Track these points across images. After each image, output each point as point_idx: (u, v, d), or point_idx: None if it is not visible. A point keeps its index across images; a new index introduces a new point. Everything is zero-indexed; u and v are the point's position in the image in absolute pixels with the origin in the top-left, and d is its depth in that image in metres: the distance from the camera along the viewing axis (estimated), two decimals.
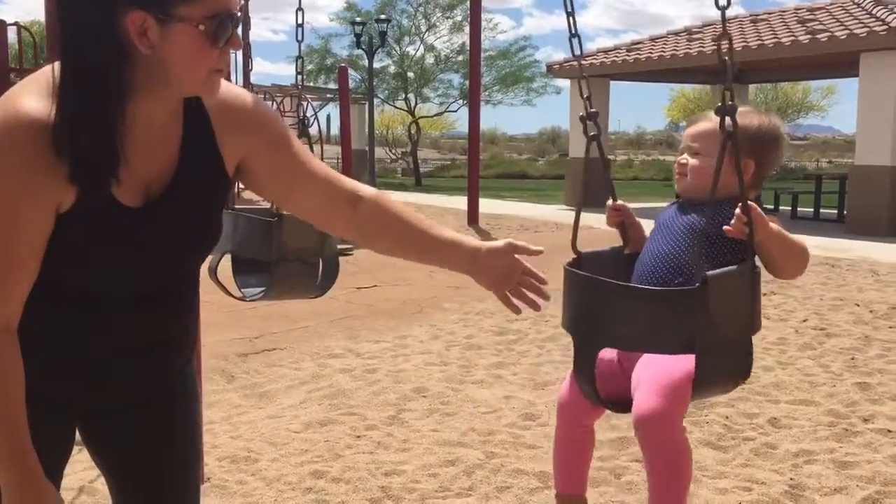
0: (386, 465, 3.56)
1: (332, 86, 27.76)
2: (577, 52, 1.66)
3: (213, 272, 2.82)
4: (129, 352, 1.48)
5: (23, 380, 1.33)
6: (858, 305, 7.19)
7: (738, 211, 1.54)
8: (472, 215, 13.48)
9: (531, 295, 1.67)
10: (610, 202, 2.01)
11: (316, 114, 11.33)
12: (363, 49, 27.69)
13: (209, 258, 2.84)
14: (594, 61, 17.86)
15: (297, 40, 3.01)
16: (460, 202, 14.17)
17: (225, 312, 6.12)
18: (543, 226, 13.81)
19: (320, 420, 4.14)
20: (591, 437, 2.01)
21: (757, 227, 1.56)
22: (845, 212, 14.14)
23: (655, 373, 1.65)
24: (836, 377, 4.99)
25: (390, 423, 4.13)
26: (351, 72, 22.38)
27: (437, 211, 16.75)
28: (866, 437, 3.96)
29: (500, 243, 1.68)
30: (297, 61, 2.96)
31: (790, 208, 15.96)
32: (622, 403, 1.79)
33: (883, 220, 12.80)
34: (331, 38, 33.71)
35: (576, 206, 1.86)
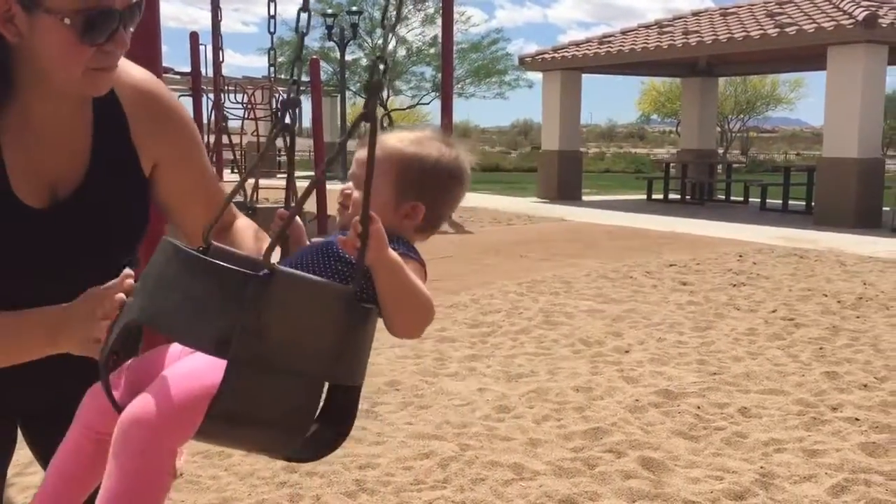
0: (360, 459, 3.55)
1: (304, 78, 27.57)
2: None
3: None
4: (52, 354, 1.35)
5: None
6: (826, 296, 7.30)
7: (355, 219, 1.20)
8: None
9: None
10: (281, 209, 1.47)
11: (287, 106, 11.21)
12: (335, 41, 27.55)
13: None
14: (566, 54, 17.92)
15: (270, 31, 2.98)
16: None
17: None
18: (516, 218, 13.85)
19: None
20: (104, 451, 1.27)
21: (371, 244, 1.18)
22: (813, 203, 14.33)
23: (172, 378, 1.24)
24: (804, 367, 5.06)
25: (364, 416, 4.12)
26: (323, 64, 22.22)
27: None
28: (835, 426, 4.02)
29: None
30: (268, 53, 2.94)
31: (759, 200, 16.14)
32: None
33: (850, 211, 12.99)
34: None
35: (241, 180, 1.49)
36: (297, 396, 1.20)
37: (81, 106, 1.37)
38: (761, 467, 3.50)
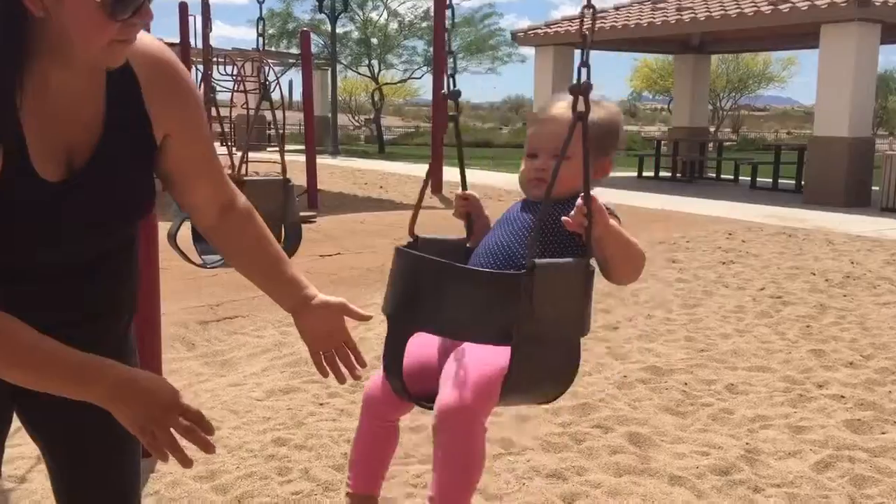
0: (349, 433, 3.56)
1: (295, 51, 27.35)
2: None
3: (172, 238, 2.77)
4: (55, 327, 1.37)
5: (22, 326, 1.27)
6: (814, 274, 7.33)
7: (579, 201, 1.44)
8: (436, 183, 13.45)
9: (343, 368, 1.62)
10: (459, 191, 1.86)
11: (278, 79, 11.15)
12: (325, 13, 27.30)
13: (170, 224, 2.79)
14: (559, 29, 17.82)
15: (259, 2, 2.94)
16: (424, 170, 14.13)
17: (184, 279, 6.06)
18: (506, 194, 13.83)
19: (283, 388, 4.13)
20: (394, 434, 1.84)
21: (596, 220, 1.44)
22: (803, 182, 14.37)
23: (466, 366, 1.52)
24: (791, 344, 5.09)
25: (353, 390, 4.13)
26: (313, 37, 22.03)
27: (401, 179, 16.68)
28: (820, 403, 4.05)
29: (333, 301, 1.61)
30: (258, 24, 2.90)
31: (749, 178, 16.17)
32: (434, 400, 1.63)
33: (839, 190, 13.03)
34: (293, 1, 33.17)
35: (420, 190, 1.77)
36: (565, 356, 1.49)
37: (96, 76, 1.36)
38: (747, 443, 3.53)
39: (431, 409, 1.59)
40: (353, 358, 1.63)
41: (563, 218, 1.46)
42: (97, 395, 1.28)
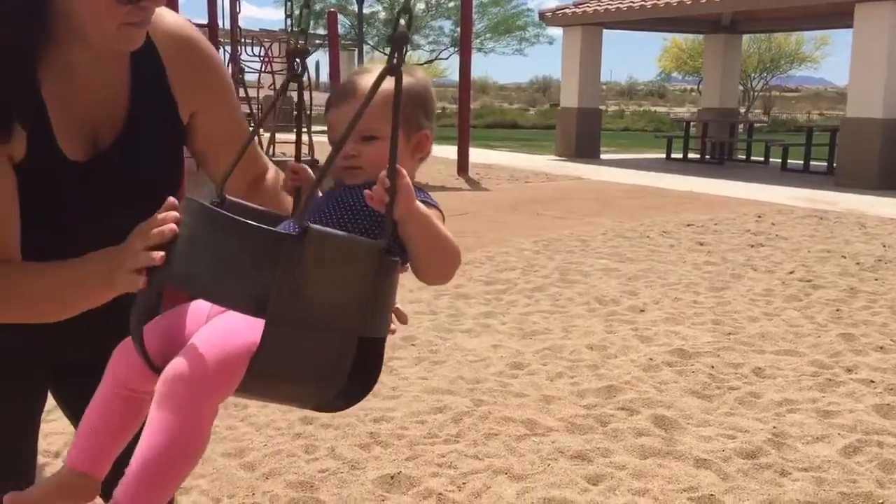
0: (375, 412, 3.59)
1: (322, 31, 27.36)
2: None
3: None
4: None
5: (35, 265, 1.29)
6: (845, 257, 7.24)
7: (382, 174, 1.21)
8: (463, 165, 13.43)
9: None
10: (291, 162, 1.53)
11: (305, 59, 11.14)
12: None
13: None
14: (587, 9, 17.64)
15: None
16: (450, 151, 14.10)
17: None
18: (534, 176, 13.78)
19: None
20: (134, 410, 1.36)
21: (400, 198, 1.20)
22: (835, 164, 14.15)
23: (213, 335, 1.27)
24: (820, 328, 5.04)
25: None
26: (340, 17, 21.99)
27: (428, 160, 16.64)
28: (849, 387, 4.02)
29: None
30: (286, 5, 2.90)
31: (780, 160, 15.96)
32: None
33: (872, 172, 12.82)
34: None
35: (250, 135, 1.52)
36: (332, 351, 1.23)
37: (119, 57, 1.36)
38: (774, 427, 3.51)
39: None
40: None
41: (365, 191, 1.25)
42: (101, 286, 1.26)
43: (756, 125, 22.00)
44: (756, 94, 39.86)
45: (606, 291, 5.89)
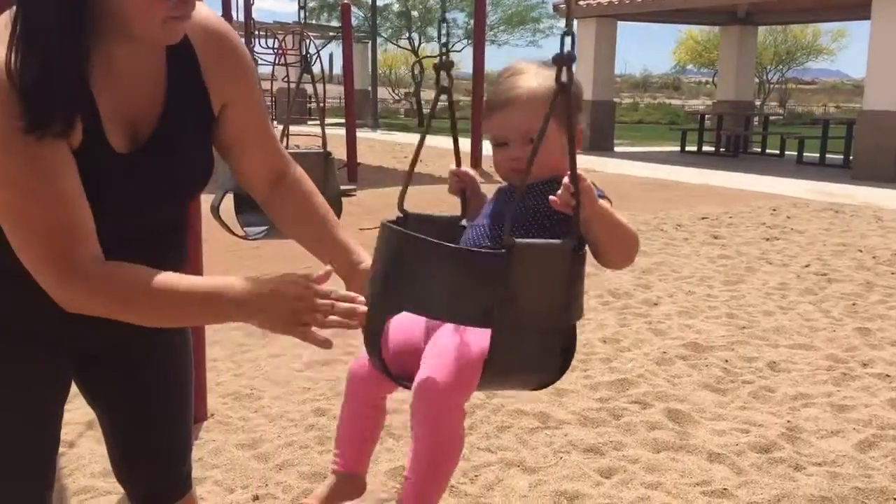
0: (389, 403, 3.59)
1: (335, 23, 27.33)
2: None
3: (215, 210, 2.80)
4: None
5: (156, 271, 1.32)
6: (861, 251, 7.19)
7: (565, 180, 1.34)
8: (476, 158, 13.41)
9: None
10: (452, 167, 1.75)
11: (318, 52, 11.16)
12: None
13: (212, 196, 2.83)
14: (602, 1, 17.55)
15: None
16: (464, 144, 14.05)
17: (227, 252, 6.13)
18: None
19: (322, 359, 4.17)
20: (379, 413, 1.78)
21: (584, 200, 1.35)
22: (851, 157, 14.04)
23: (447, 347, 1.47)
24: (836, 322, 5.01)
25: None
26: (354, 10, 22.00)
27: (440, 153, 16.60)
28: (864, 382, 3.99)
29: None
30: None
31: (796, 153, 15.85)
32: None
33: (889, 166, 12.72)
34: None
35: (411, 164, 1.68)
36: (546, 342, 1.41)
37: (157, 52, 1.39)
38: (788, 421, 3.49)
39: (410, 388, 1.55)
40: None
41: (551, 197, 1.38)
42: (234, 318, 1.34)
43: (772, 118, 21.86)
44: (772, 86, 39.56)
45: (620, 284, 5.87)
